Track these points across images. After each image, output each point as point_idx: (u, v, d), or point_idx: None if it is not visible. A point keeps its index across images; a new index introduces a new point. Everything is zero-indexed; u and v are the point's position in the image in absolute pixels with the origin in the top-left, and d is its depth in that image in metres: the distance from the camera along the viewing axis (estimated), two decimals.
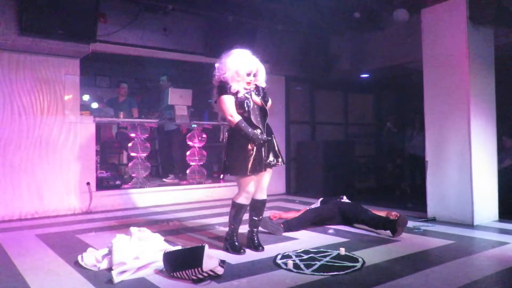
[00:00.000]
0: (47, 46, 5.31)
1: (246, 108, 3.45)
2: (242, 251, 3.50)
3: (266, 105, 3.56)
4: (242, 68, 3.45)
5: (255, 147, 3.43)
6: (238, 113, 3.46)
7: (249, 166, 3.41)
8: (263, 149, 3.47)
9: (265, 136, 3.46)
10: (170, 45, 6.43)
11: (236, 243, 3.56)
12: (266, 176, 3.66)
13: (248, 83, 3.51)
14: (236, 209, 3.57)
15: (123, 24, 5.94)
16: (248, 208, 3.66)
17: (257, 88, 3.60)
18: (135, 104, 7.36)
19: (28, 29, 5.06)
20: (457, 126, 4.78)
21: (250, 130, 3.41)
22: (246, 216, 3.70)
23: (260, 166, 3.46)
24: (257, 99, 3.56)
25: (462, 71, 4.75)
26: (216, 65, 3.57)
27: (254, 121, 3.46)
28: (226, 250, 3.57)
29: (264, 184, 3.68)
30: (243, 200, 3.55)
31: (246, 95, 3.50)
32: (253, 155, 3.43)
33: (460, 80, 4.76)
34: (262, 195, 3.70)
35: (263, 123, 3.52)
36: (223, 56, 3.57)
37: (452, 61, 4.85)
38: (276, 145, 3.63)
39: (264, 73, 3.62)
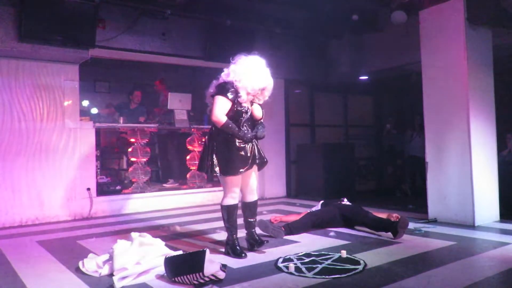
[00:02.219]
0: (46, 52, 5.33)
1: (242, 120, 3.52)
2: (243, 255, 3.50)
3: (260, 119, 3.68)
4: (257, 86, 3.50)
5: (239, 148, 3.48)
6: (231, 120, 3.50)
7: (236, 165, 3.47)
8: (247, 149, 3.53)
9: (251, 133, 3.54)
10: (169, 50, 6.44)
11: (237, 247, 3.55)
12: (253, 177, 3.71)
13: (254, 95, 3.58)
14: (227, 211, 3.59)
15: (122, 29, 5.95)
16: (241, 209, 3.73)
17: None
18: (144, 113, 7.37)
19: (27, 35, 5.07)
20: (457, 126, 4.79)
21: (237, 129, 3.47)
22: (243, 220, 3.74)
23: (245, 165, 3.51)
24: (257, 110, 3.63)
25: (460, 72, 4.76)
26: (232, 66, 3.53)
27: (244, 126, 3.55)
28: (228, 254, 3.57)
29: (252, 185, 3.72)
30: (230, 200, 3.58)
31: (247, 105, 3.57)
32: (237, 155, 3.48)
33: (459, 81, 4.77)
34: (253, 197, 3.74)
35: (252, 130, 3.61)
36: (240, 60, 3.54)
37: (450, 62, 4.86)
38: (260, 148, 3.70)
39: (271, 88, 3.66)
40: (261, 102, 3.69)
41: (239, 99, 3.48)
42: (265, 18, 6.56)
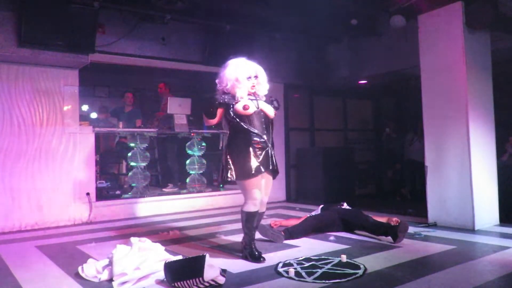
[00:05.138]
0: (46, 58, 5.34)
1: (224, 104, 3.48)
2: (262, 259, 3.45)
3: (274, 110, 3.63)
4: (241, 74, 3.51)
5: (255, 151, 3.46)
6: (232, 120, 3.51)
7: (251, 168, 3.44)
8: (261, 152, 3.50)
9: (224, 98, 3.51)
10: (169, 55, 6.46)
11: (255, 252, 3.51)
12: (267, 186, 3.66)
13: (252, 87, 3.56)
14: (246, 217, 3.53)
15: (122, 34, 5.97)
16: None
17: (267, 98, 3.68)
18: (140, 116, 7.37)
19: (27, 40, 5.09)
20: (456, 130, 4.79)
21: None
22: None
23: (262, 166, 3.48)
24: (266, 107, 3.59)
25: (459, 76, 4.77)
26: (216, 81, 3.62)
27: (257, 126, 3.50)
28: (245, 258, 3.53)
29: (263, 196, 3.66)
30: (251, 207, 3.50)
31: (250, 101, 3.54)
32: (252, 158, 3.46)
33: (458, 85, 4.78)
34: (261, 208, 3.69)
35: (268, 133, 3.57)
36: (221, 71, 3.62)
37: (449, 66, 4.87)
38: (274, 158, 3.65)
39: (264, 74, 3.64)
40: (264, 92, 3.65)
41: (237, 95, 3.49)
42: (264, 22, 6.58)
